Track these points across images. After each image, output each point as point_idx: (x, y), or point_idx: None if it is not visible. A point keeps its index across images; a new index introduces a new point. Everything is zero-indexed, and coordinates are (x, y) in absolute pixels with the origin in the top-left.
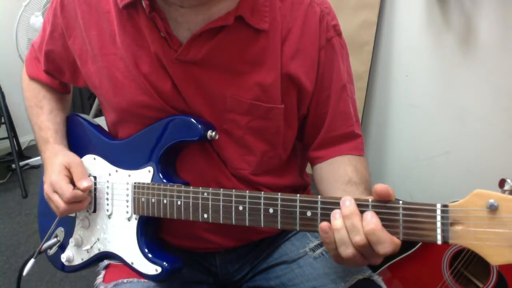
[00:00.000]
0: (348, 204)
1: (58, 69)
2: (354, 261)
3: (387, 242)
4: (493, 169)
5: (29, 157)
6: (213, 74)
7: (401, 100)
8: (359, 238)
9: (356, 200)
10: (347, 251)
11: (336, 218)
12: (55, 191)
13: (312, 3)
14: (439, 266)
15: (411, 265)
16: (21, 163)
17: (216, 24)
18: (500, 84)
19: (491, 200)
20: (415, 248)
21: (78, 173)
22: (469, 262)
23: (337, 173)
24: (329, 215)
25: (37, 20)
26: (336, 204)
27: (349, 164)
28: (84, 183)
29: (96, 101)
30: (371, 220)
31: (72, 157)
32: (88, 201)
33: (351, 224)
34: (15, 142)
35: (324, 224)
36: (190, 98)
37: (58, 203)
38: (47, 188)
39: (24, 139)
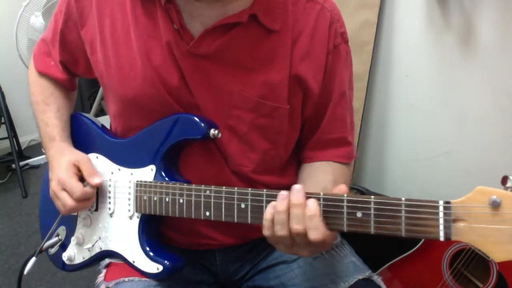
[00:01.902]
0: (297, 191)
1: (73, 59)
2: (284, 243)
3: (320, 230)
4: (493, 169)
5: (29, 157)
6: (222, 69)
7: (401, 100)
8: (298, 227)
9: (359, 197)
10: (281, 231)
11: (281, 200)
12: (64, 189)
13: (323, 9)
14: (439, 266)
15: (411, 265)
16: (21, 163)
17: (230, 20)
18: (500, 84)
19: (494, 197)
20: (415, 248)
21: (88, 169)
22: (469, 262)
23: (315, 178)
24: (331, 212)
25: (37, 20)
26: (339, 200)
27: (330, 174)
28: (96, 179)
29: (96, 101)
30: (313, 207)
31: (79, 154)
32: (94, 199)
33: (295, 213)
34: (15, 142)
35: (268, 213)
36: (197, 91)
37: (65, 200)
38: (54, 185)
39: (24, 139)
